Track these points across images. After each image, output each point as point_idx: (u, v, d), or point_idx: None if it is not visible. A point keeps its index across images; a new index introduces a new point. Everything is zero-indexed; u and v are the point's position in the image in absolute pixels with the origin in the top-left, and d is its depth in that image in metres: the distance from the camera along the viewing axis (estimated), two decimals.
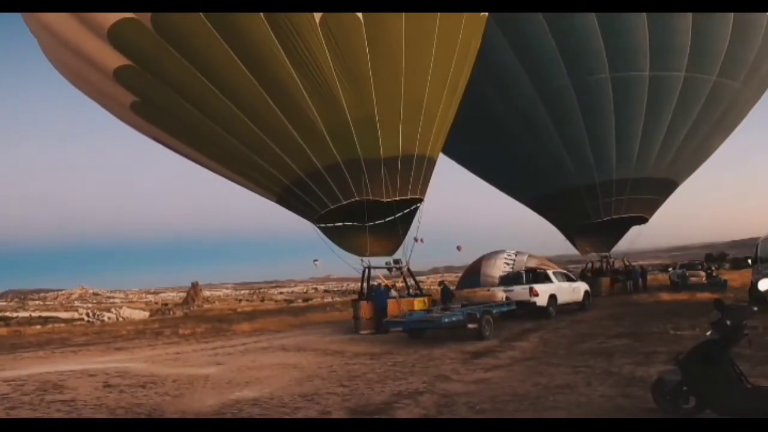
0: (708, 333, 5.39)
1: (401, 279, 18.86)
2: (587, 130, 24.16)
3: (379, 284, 18.89)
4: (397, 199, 17.50)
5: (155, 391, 8.52)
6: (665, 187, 27.22)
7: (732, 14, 22.16)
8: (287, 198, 18.60)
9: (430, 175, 18.57)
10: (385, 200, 17.28)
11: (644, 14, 21.62)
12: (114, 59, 15.52)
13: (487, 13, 18.44)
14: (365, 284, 18.00)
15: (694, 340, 6.63)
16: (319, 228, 18.89)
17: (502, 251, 30.90)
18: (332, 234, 19.07)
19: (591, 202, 25.99)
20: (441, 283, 19.92)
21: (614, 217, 26.27)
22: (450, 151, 29.94)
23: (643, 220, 27.61)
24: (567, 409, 6.20)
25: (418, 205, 18.61)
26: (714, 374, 5.14)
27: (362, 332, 16.04)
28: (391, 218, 18.45)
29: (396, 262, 18.37)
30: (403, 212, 18.62)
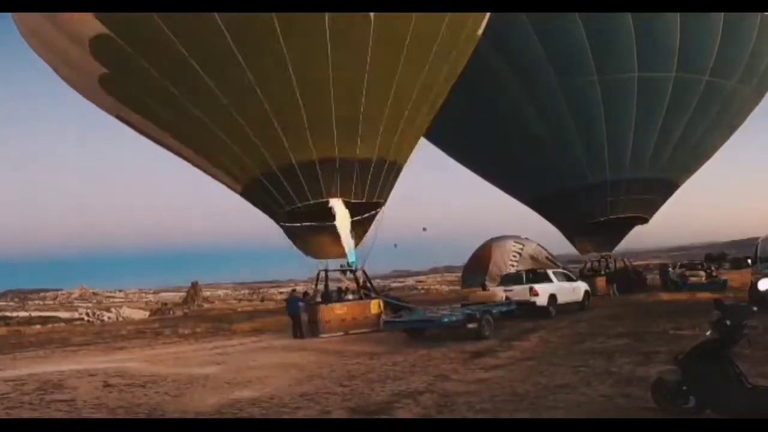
0: (708, 333, 5.40)
1: (362, 281, 18.40)
2: (606, 128, 24.24)
3: (293, 291, 19.64)
4: (364, 201, 17.39)
5: (155, 391, 8.53)
6: (668, 188, 27.36)
7: (758, 18, 22.27)
8: (255, 191, 18.21)
9: (395, 181, 18.59)
10: (353, 201, 17.18)
11: (678, 15, 21.73)
12: (92, 27, 14.52)
13: (480, 31, 18.16)
14: (322, 286, 17.78)
15: (694, 340, 6.63)
16: (280, 226, 18.72)
17: (512, 236, 31.10)
18: (290, 234, 18.87)
19: (600, 200, 26.03)
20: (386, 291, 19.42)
21: (620, 216, 26.35)
22: (451, 148, 30.04)
23: (644, 220, 27.70)
24: (567, 409, 6.21)
25: (379, 209, 18.50)
26: (714, 374, 5.14)
27: (323, 335, 15.67)
28: (354, 219, 17.96)
29: (350, 264, 18.07)
30: (363, 215, 18.32)
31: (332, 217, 17.38)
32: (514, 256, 29.79)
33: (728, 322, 5.16)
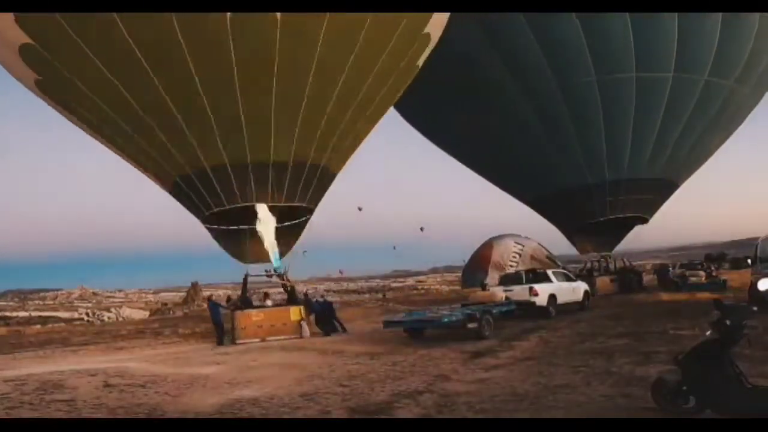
0: (708, 333, 5.40)
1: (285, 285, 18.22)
2: (605, 128, 24.27)
3: (210, 297, 19.58)
4: (283, 204, 17.11)
5: (155, 391, 8.54)
6: (668, 188, 27.40)
7: (757, 17, 22.30)
8: (177, 194, 18.07)
9: (324, 184, 18.27)
10: (278, 205, 16.92)
11: (675, 14, 21.75)
12: (17, 36, 14.34)
13: (429, 31, 16.85)
14: (244, 293, 17.75)
15: (694, 340, 6.63)
16: (207, 228, 18.59)
17: (512, 236, 31.17)
18: (215, 236, 18.69)
19: (599, 200, 26.07)
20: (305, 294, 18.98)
21: (620, 216, 26.40)
22: (451, 147, 30.08)
23: (644, 220, 27.74)
24: (567, 408, 6.21)
25: (308, 216, 18.39)
26: (714, 374, 5.14)
27: (239, 342, 15.47)
28: (280, 225, 17.74)
29: (275, 270, 17.87)
30: (291, 221, 18.25)
31: (253, 220, 17.09)
32: (514, 256, 29.85)
33: (728, 322, 5.16)
